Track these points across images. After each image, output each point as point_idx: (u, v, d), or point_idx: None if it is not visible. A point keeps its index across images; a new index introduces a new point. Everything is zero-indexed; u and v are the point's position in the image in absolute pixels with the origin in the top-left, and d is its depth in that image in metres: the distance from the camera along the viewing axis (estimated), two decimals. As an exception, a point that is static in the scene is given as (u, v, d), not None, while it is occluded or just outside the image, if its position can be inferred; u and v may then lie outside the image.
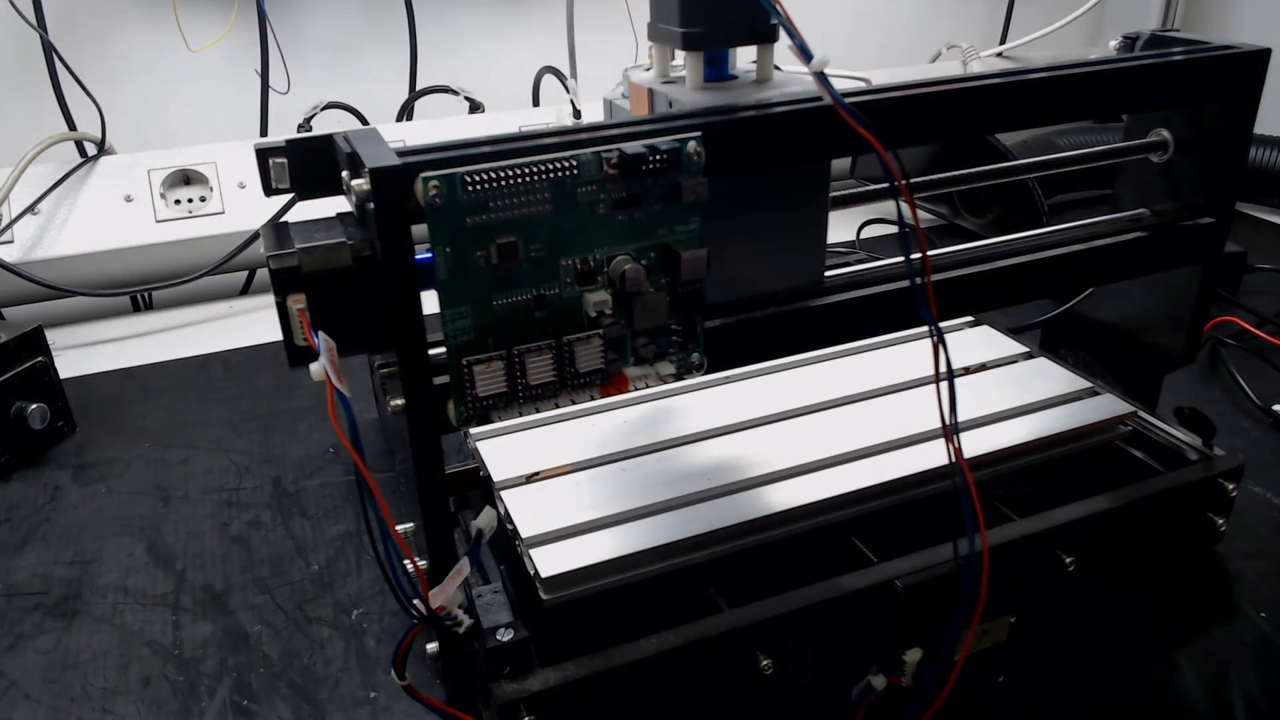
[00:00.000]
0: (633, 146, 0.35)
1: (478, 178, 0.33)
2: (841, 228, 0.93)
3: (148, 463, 0.64)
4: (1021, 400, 0.54)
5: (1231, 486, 0.50)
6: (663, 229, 0.36)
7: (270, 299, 0.36)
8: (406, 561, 0.36)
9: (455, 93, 1.01)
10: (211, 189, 0.91)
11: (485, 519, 0.37)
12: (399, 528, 0.44)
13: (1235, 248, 0.80)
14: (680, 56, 0.47)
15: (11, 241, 0.84)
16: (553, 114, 1.00)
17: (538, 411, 0.37)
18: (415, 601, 0.35)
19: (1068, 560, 0.45)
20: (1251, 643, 0.47)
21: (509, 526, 0.45)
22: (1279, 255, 0.89)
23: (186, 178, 0.91)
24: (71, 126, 0.92)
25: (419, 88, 1.03)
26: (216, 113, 0.98)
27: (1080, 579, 0.46)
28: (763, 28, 0.45)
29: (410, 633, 0.36)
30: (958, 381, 0.30)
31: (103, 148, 0.91)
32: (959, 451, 0.36)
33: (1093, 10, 1.17)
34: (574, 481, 0.48)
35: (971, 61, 1.13)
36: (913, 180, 0.44)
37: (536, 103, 1.03)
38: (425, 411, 0.36)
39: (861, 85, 0.46)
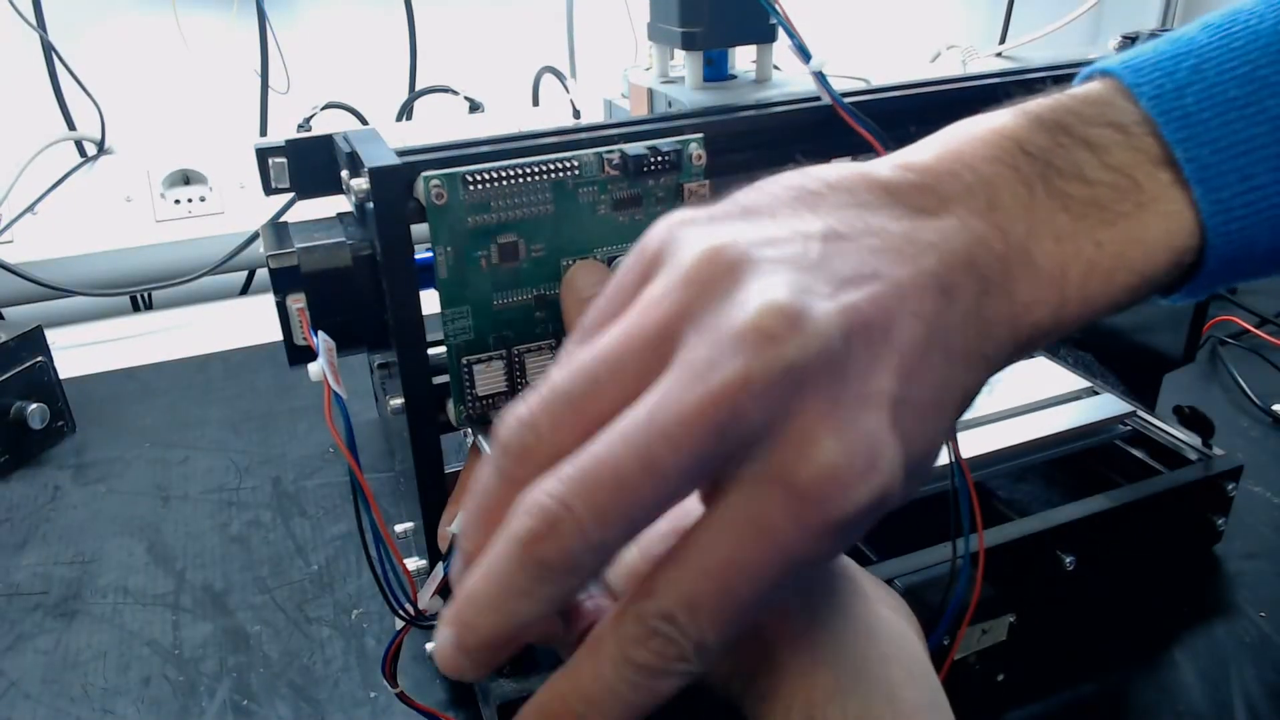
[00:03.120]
0: (635, 148, 0.35)
1: (479, 177, 0.33)
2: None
3: (148, 463, 0.64)
4: (1021, 400, 0.54)
5: (1231, 486, 0.50)
6: (663, 229, 0.36)
7: (270, 299, 0.36)
8: (408, 562, 0.36)
9: (455, 93, 1.01)
10: (211, 189, 0.91)
11: (459, 524, 0.36)
12: (399, 527, 0.45)
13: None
14: (680, 56, 0.47)
15: (11, 241, 0.84)
16: (553, 114, 1.00)
17: (538, 411, 0.37)
18: (405, 604, 0.36)
19: (1068, 560, 0.45)
20: (1251, 642, 0.47)
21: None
22: (1279, 255, 0.89)
23: (186, 178, 0.91)
24: (71, 126, 0.92)
25: (419, 88, 1.03)
26: (216, 113, 0.98)
27: (1080, 579, 0.46)
28: (762, 28, 0.45)
29: (397, 638, 0.36)
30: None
31: (103, 148, 0.91)
32: (958, 451, 0.37)
33: (1092, 10, 1.17)
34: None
35: (971, 61, 1.14)
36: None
37: (536, 103, 1.03)
38: (425, 411, 0.36)
39: (861, 85, 0.46)
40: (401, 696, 0.37)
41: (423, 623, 0.36)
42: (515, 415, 0.22)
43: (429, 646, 0.45)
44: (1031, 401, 0.54)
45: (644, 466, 0.20)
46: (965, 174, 0.25)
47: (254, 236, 0.87)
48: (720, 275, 0.21)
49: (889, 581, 0.42)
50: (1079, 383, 0.55)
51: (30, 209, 0.85)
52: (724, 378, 0.19)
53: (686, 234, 0.22)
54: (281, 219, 0.43)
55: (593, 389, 0.21)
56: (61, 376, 0.67)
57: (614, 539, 0.21)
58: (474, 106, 1.01)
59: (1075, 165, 0.25)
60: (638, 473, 0.20)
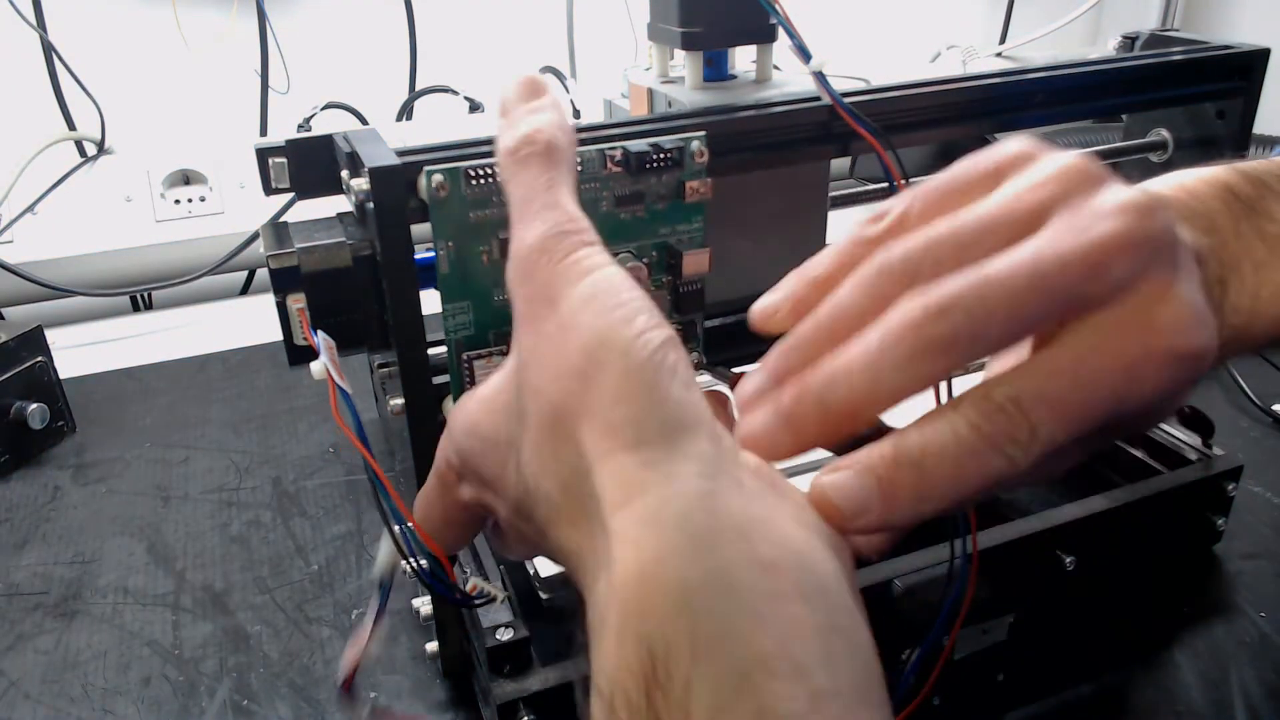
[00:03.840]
0: (637, 144, 0.35)
1: (481, 172, 0.33)
2: (841, 228, 0.93)
3: (148, 463, 0.64)
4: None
5: (1231, 486, 0.50)
6: (665, 228, 0.36)
7: (270, 299, 0.36)
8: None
9: (455, 93, 1.01)
10: (211, 189, 0.91)
11: (383, 561, 0.32)
12: (398, 528, 0.44)
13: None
14: (680, 56, 0.47)
15: (11, 241, 0.84)
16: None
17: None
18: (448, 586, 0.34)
19: (1068, 560, 0.45)
20: (1251, 642, 0.47)
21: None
22: (1279, 255, 0.89)
23: (186, 178, 0.91)
24: (71, 126, 0.92)
25: (419, 88, 1.03)
26: (216, 113, 0.98)
27: (1080, 579, 0.46)
28: (762, 28, 0.45)
29: (354, 665, 0.35)
30: (956, 380, 0.30)
31: (103, 148, 0.91)
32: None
33: (1092, 10, 1.17)
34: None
35: (971, 61, 1.14)
36: (913, 180, 0.45)
37: (536, 103, 1.02)
38: (425, 411, 0.36)
39: (861, 85, 0.46)
40: (376, 712, 0.37)
41: (472, 601, 0.34)
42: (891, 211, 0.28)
43: (428, 648, 0.45)
44: (1031, 401, 0.53)
45: (1031, 286, 0.24)
46: (1192, 201, 0.32)
47: (254, 236, 0.87)
48: (1090, 177, 0.26)
49: (888, 581, 0.42)
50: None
51: (30, 209, 0.85)
52: (1106, 230, 0.24)
53: (1046, 150, 0.28)
54: (281, 219, 0.43)
55: (975, 237, 0.26)
56: (61, 376, 0.67)
57: (989, 339, 0.25)
58: (474, 106, 1.01)
59: (1272, 212, 0.32)
60: (1025, 290, 0.24)
